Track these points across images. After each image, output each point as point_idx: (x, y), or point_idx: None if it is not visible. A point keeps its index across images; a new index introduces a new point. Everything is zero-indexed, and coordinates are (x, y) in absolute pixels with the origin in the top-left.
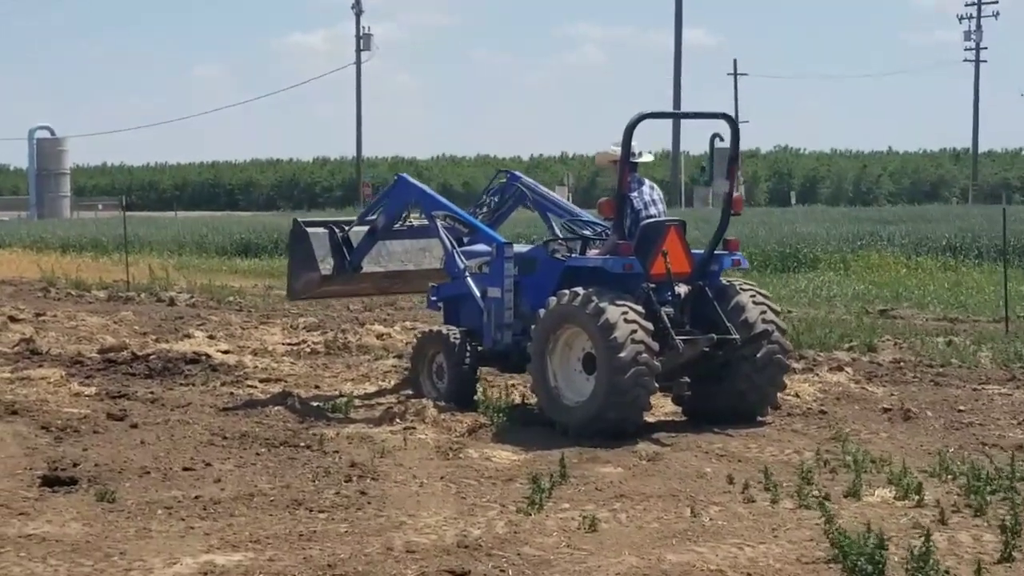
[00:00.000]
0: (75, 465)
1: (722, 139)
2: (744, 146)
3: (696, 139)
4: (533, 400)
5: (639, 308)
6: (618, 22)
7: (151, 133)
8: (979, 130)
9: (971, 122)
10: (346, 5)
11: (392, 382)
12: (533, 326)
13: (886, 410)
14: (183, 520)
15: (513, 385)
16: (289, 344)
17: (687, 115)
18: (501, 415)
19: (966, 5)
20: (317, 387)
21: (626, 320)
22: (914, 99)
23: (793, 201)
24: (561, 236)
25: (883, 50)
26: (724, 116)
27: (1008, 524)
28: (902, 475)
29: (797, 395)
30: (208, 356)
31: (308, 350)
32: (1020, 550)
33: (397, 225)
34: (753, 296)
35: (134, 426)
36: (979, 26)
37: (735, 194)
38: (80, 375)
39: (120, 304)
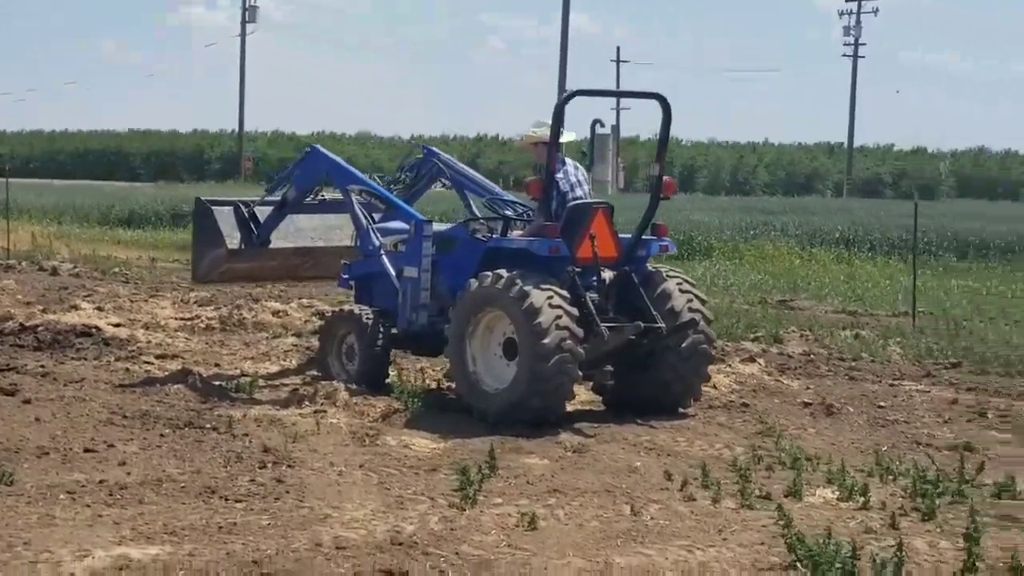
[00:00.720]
0: None
1: (602, 125)
2: (624, 133)
3: (575, 124)
4: (449, 385)
5: (564, 293)
6: (515, 10)
7: (26, 99)
8: (855, 125)
9: (847, 117)
10: None
11: (295, 362)
12: (452, 308)
13: (806, 404)
14: (88, 507)
15: (425, 369)
16: (182, 319)
17: (621, 94)
18: (415, 400)
19: (846, 1)
20: (217, 365)
21: (551, 305)
22: (791, 93)
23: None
24: (480, 216)
25: (765, 44)
26: (657, 96)
27: (970, 532)
28: (841, 474)
29: (715, 386)
30: (99, 329)
31: (203, 326)
32: (982, 559)
33: (308, 199)
34: (680, 284)
35: (27, 402)
36: (859, 22)
37: (665, 177)
38: None
39: (0, 272)
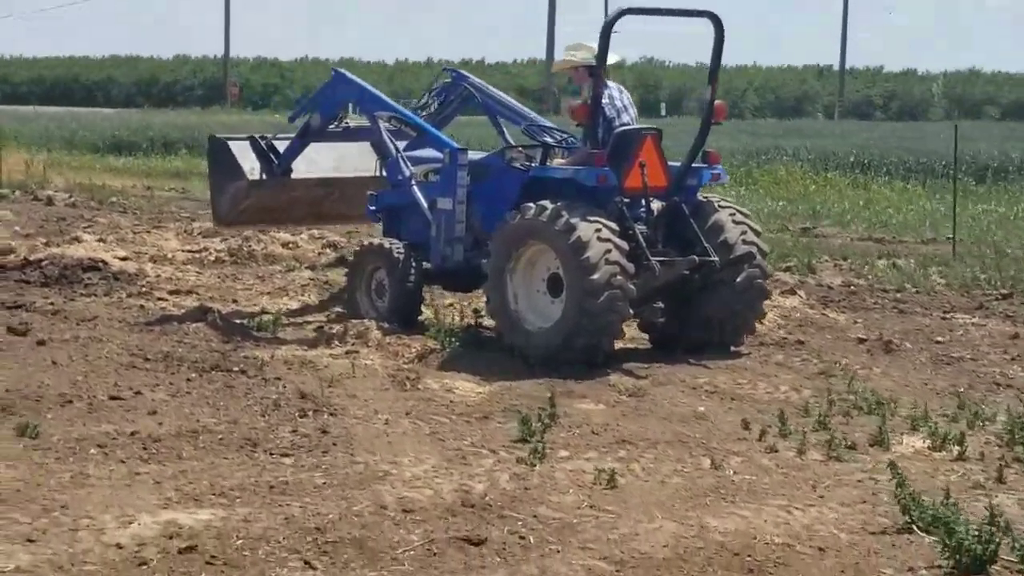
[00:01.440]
0: None
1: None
2: (611, 59)
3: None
4: (487, 323)
5: (613, 225)
6: None
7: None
8: (846, 47)
9: (839, 39)
10: None
11: (314, 297)
12: (491, 242)
13: (861, 340)
14: (123, 463)
15: (458, 305)
16: (189, 251)
17: (671, 12)
18: (452, 339)
19: None
20: (234, 301)
21: (600, 238)
22: (780, 16)
23: (663, 112)
24: (517, 144)
25: None
26: (710, 15)
27: None
28: (925, 420)
29: (760, 321)
30: (105, 263)
31: (212, 259)
32: None
33: (332, 127)
34: (733, 215)
35: (41, 343)
36: None
37: (717, 101)
38: None
39: None
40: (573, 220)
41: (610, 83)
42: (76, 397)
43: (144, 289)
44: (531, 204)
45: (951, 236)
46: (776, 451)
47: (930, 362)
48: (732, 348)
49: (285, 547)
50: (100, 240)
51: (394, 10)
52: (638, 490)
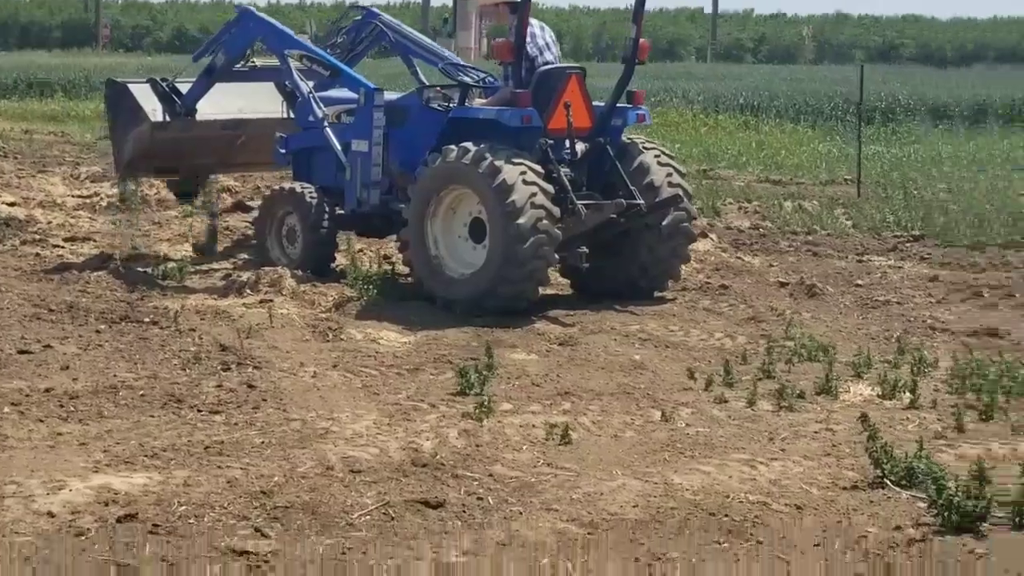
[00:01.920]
0: None
1: None
2: None
3: None
4: (403, 270)
5: (538, 168)
6: None
7: None
8: None
9: None
10: None
11: (218, 244)
12: (409, 186)
13: (782, 284)
14: (42, 422)
15: (364, 251)
16: (79, 196)
17: None
18: (369, 287)
19: None
20: (134, 248)
21: (525, 181)
22: None
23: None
24: (432, 84)
25: None
26: None
27: None
28: (867, 366)
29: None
30: None
31: (104, 204)
32: None
33: (238, 66)
34: (658, 156)
35: None
36: None
37: (642, 40)
38: None
39: None
40: (497, 162)
41: (532, 20)
42: None
43: (37, 236)
44: (452, 146)
45: (849, 178)
46: (726, 401)
47: (856, 306)
48: (656, 293)
49: (232, 513)
50: None
51: None
52: (592, 445)
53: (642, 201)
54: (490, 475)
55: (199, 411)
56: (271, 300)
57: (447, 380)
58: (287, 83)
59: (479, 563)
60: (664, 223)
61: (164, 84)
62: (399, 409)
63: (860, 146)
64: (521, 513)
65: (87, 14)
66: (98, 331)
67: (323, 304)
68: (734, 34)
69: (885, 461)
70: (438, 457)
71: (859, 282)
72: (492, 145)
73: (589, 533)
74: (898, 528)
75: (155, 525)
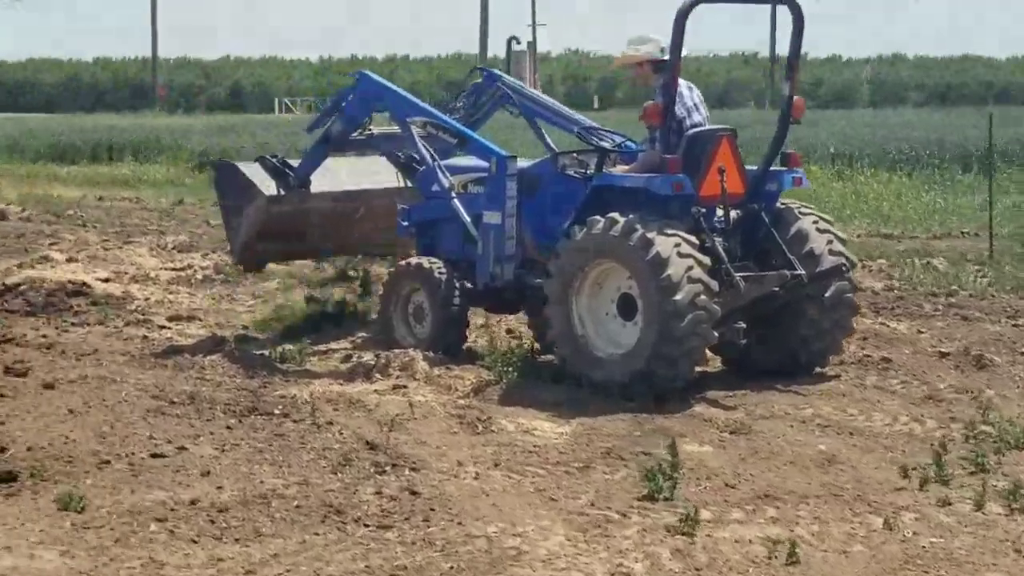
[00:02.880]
0: (2, 450)
1: (519, 41)
2: (553, 47)
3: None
4: (538, 347)
5: (692, 239)
6: None
7: None
8: (775, 33)
9: (768, 25)
10: None
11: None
12: (551, 261)
13: (943, 354)
14: (195, 542)
15: (488, 326)
16: (171, 269)
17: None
18: (509, 369)
19: None
20: (245, 328)
21: (680, 254)
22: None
23: (596, 104)
24: (567, 150)
25: None
26: (788, 3)
27: None
28: None
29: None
30: (88, 286)
31: (199, 277)
32: None
33: (355, 134)
34: (816, 222)
35: (49, 386)
36: None
37: (796, 97)
38: None
39: None
40: (649, 234)
41: (679, 80)
42: (113, 456)
43: (140, 316)
44: (598, 217)
45: (967, 231)
46: (950, 504)
47: None
48: (816, 370)
49: None
50: (71, 259)
51: (314, 6)
52: (822, 564)
53: (803, 271)
54: None
55: (366, 526)
56: (405, 386)
57: (625, 481)
58: (402, 153)
59: None
60: (827, 294)
61: (274, 159)
62: (588, 521)
63: (992, 196)
64: None
65: (140, 73)
66: (229, 427)
67: (461, 389)
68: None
69: None
70: None
71: (1023, 351)
72: (642, 215)
73: None
74: None
75: None
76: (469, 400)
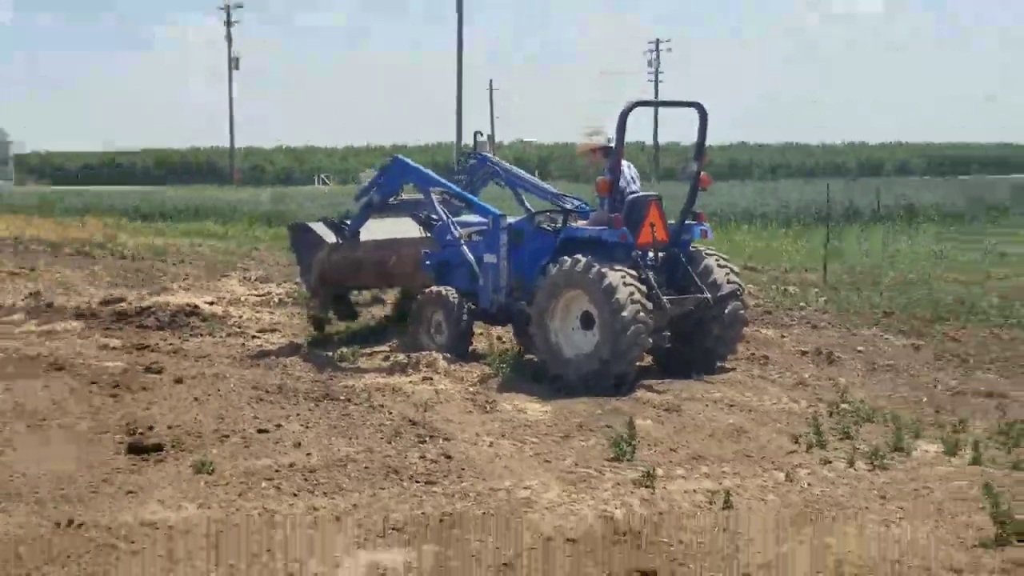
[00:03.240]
0: (150, 428)
1: (482, 134)
2: (508, 136)
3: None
4: (520, 350)
5: (633, 272)
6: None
7: (56, 122)
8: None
9: (652, 123)
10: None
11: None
12: (536, 289)
13: (803, 352)
14: (296, 496)
15: (483, 334)
16: (256, 295)
17: (666, 103)
18: (504, 366)
19: (648, 43)
20: (318, 335)
21: (625, 283)
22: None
23: (535, 174)
24: (536, 210)
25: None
26: (696, 105)
27: None
28: (916, 425)
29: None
30: (198, 308)
31: (276, 301)
32: None
33: (391, 200)
34: (718, 260)
35: (179, 380)
36: (657, 57)
37: (702, 173)
38: (99, 327)
39: (84, 259)
40: (603, 270)
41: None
42: (230, 432)
43: (236, 329)
44: (567, 258)
45: (809, 267)
46: (829, 462)
47: (867, 370)
48: (718, 365)
49: None
50: (184, 288)
51: (342, 103)
52: (747, 510)
53: (709, 295)
54: (680, 542)
55: (416, 482)
56: (431, 378)
57: (596, 447)
58: (423, 213)
59: None
60: (726, 311)
61: (333, 220)
62: (575, 477)
63: (827, 242)
64: None
65: (216, 158)
66: (309, 409)
67: (470, 380)
68: (667, 164)
69: (1009, 521)
70: (630, 524)
71: (859, 348)
72: (597, 257)
73: None
74: None
75: None
76: (477, 388)
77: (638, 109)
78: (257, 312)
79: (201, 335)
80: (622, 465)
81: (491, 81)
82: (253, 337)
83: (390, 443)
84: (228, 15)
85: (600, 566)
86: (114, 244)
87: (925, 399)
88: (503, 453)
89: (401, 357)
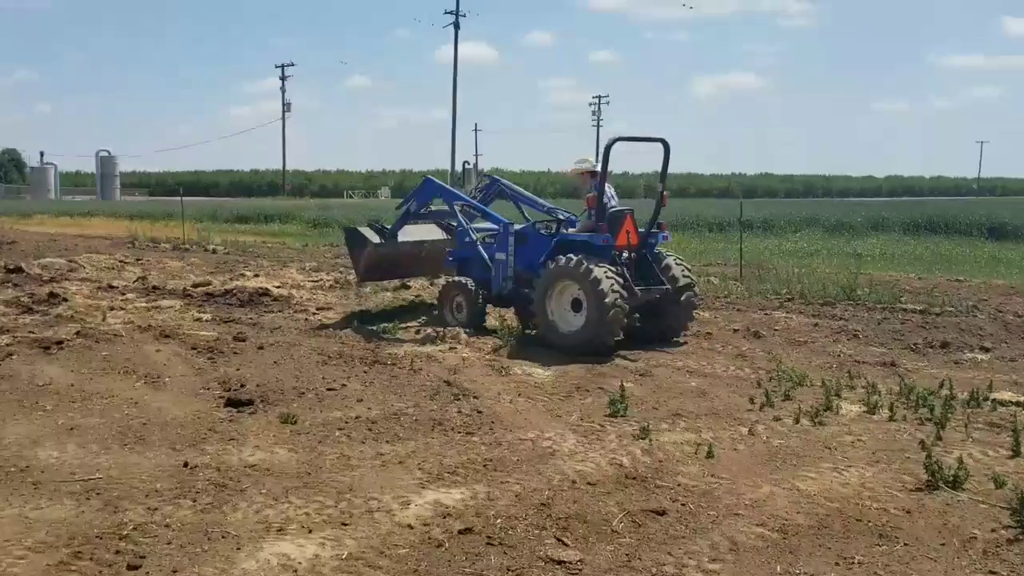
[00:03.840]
0: (242, 386)
1: (468, 163)
2: (488, 165)
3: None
4: (521, 326)
5: (614, 268)
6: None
7: (160, 153)
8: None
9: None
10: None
11: (398, 308)
12: (536, 280)
13: (735, 330)
14: (364, 443)
15: (491, 313)
16: (312, 281)
17: (637, 139)
18: (510, 338)
19: (593, 97)
20: (363, 312)
21: (607, 276)
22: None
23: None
24: (534, 220)
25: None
26: (661, 140)
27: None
28: (835, 388)
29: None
30: (268, 291)
31: (328, 285)
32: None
33: (423, 211)
34: (676, 260)
35: (260, 348)
36: (600, 108)
37: (664, 193)
38: (193, 305)
39: (182, 253)
40: (591, 266)
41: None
42: (306, 390)
43: (299, 307)
44: (561, 256)
45: (725, 263)
46: (779, 419)
47: (787, 343)
48: (674, 340)
49: (533, 524)
50: (256, 275)
51: (365, 138)
52: (725, 459)
53: (668, 286)
54: (679, 485)
55: (458, 433)
56: (455, 348)
57: (595, 404)
58: (446, 221)
59: (726, 568)
60: (683, 299)
61: (377, 224)
62: (585, 429)
63: (741, 245)
64: (720, 519)
65: (273, 177)
66: (365, 371)
67: (486, 350)
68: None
69: (938, 471)
70: (638, 470)
71: (776, 327)
72: (586, 256)
73: (783, 537)
74: (993, 530)
75: (489, 537)
76: (491, 356)
77: (618, 143)
78: (314, 294)
79: (272, 312)
80: (618, 420)
81: (476, 124)
82: (313, 313)
83: (432, 400)
84: (283, 72)
85: (618, 505)
86: (204, 241)
87: (835, 367)
88: (521, 409)
89: (430, 331)
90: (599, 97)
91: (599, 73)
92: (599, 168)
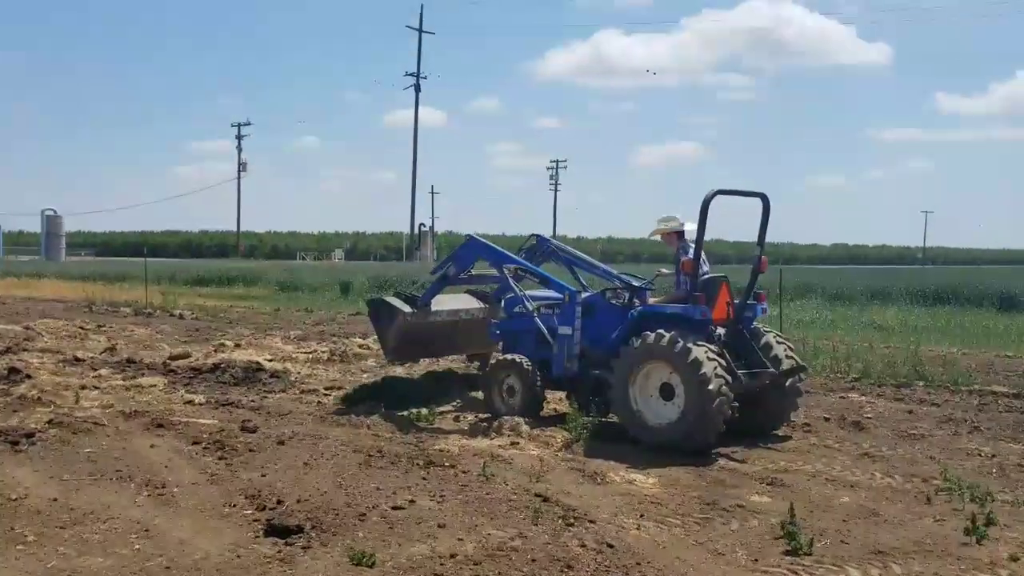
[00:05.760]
0: (279, 502)
1: (425, 226)
2: (441, 228)
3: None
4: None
5: (714, 348)
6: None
7: (102, 214)
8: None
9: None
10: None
11: (420, 385)
12: (615, 360)
13: (826, 419)
14: None
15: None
16: (304, 353)
17: (737, 192)
18: (583, 431)
19: (551, 161)
20: (376, 388)
21: (709, 358)
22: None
23: None
24: (586, 286)
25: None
26: (761, 195)
27: None
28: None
29: None
30: (261, 364)
31: (325, 358)
32: None
33: (463, 275)
34: (776, 336)
35: (281, 443)
36: (557, 172)
37: (763, 257)
38: (179, 383)
39: (147, 318)
40: (688, 344)
41: (689, 242)
42: (364, 508)
43: (303, 386)
44: (649, 333)
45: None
46: (1017, 559)
47: (897, 437)
48: (774, 432)
49: None
50: (238, 345)
51: (318, 199)
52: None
53: (772, 369)
54: None
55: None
56: (517, 442)
57: (748, 530)
58: (484, 288)
59: None
60: (788, 384)
61: (405, 293)
62: (754, 570)
63: (781, 315)
64: None
65: (219, 236)
66: (424, 478)
67: (554, 444)
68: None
69: None
70: None
71: (868, 415)
72: (681, 331)
73: None
74: None
75: None
76: (568, 454)
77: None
78: (313, 369)
79: (274, 392)
80: (804, 561)
81: (432, 186)
82: (324, 394)
83: (536, 525)
84: (239, 131)
85: None
86: (168, 305)
87: (995, 471)
88: (659, 540)
89: (473, 418)
90: (556, 162)
91: (546, 139)
92: (686, 227)
